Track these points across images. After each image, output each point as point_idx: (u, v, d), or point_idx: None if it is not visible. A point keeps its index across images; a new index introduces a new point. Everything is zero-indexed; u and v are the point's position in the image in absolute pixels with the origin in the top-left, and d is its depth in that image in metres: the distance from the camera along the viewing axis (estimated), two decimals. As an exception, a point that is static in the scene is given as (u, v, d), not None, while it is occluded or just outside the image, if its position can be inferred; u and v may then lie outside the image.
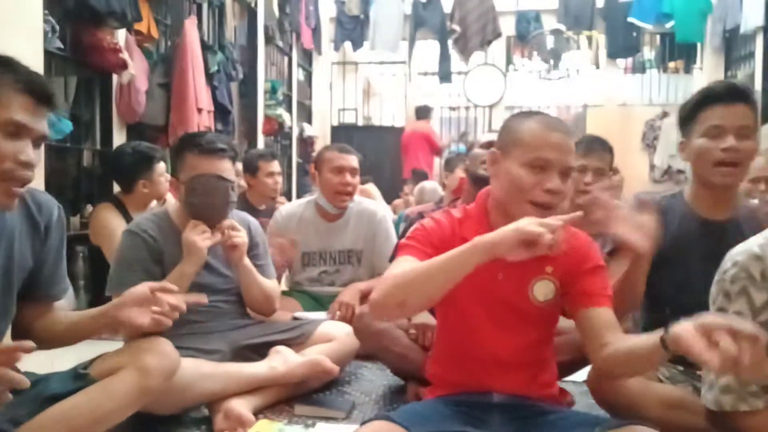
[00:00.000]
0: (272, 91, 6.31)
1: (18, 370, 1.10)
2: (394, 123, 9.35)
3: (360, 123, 9.27)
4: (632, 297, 1.63)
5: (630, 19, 7.58)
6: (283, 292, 2.62)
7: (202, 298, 1.51)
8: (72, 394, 1.32)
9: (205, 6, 5.00)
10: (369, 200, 3.10)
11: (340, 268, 2.81)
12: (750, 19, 6.18)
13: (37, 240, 1.36)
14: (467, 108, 8.83)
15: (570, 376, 1.81)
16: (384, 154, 8.13)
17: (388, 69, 9.84)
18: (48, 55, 3.03)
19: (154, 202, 3.13)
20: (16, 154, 1.15)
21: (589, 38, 8.43)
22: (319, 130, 8.20)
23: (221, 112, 4.74)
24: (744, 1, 6.30)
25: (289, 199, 6.22)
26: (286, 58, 7.26)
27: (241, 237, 1.98)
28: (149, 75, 3.85)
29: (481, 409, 1.37)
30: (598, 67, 8.46)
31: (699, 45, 7.89)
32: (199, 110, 4.19)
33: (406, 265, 1.30)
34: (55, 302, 1.46)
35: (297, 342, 2.04)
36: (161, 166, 3.07)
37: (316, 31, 7.89)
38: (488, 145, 2.18)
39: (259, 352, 1.95)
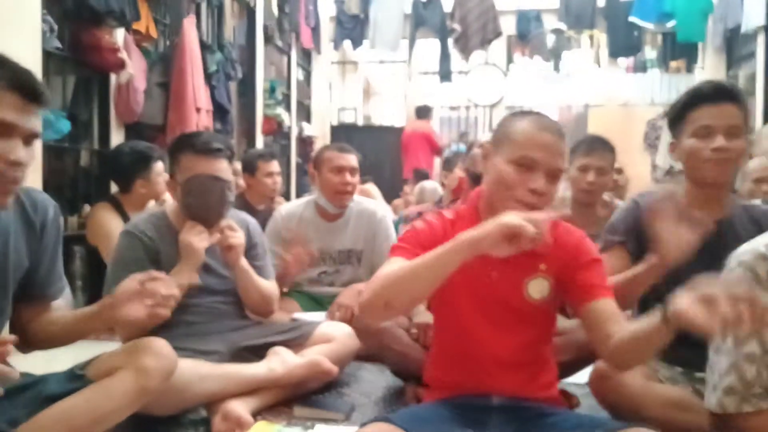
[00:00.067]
0: (271, 91, 6.29)
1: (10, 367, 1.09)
2: (394, 122, 9.34)
3: (360, 123, 9.27)
4: (632, 298, 1.62)
5: (631, 19, 7.56)
6: (282, 293, 2.60)
7: (194, 278, 1.49)
8: (69, 395, 1.31)
9: (203, 5, 4.99)
10: (369, 200, 3.09)
11: (339, 269, 2.79)
12: (751, 19, 6.16)
13: (32, 239, 1.35)
14: (467, 107, 8.82)
15: (571, 378, 1.80)
16: (384, 154, 8.13)
17: (388, 68, 9.82)
18: (46, 54, 3.02)
19: (152, 202, 3.12)
20: (5, 154, 1.13)
21: (591, 38, 8.43)
22: (319, 130, 8.17)
23: (220, 111, 4.73)
24: (745, 1, 6.28)
25: (288, 199, 6.21)
26: (285, 58, 7.24)
27: (238, 237, 1.97)
28: (148, 74, 3.83)
29: (480, 411, 1.36)
30: (599, 67, 8.46)
31: (700, 44, 7.88)
32: (198, 110, 4.18)
33: (394, 266, 1.29)
34: (51, 302, 1.45)
35: (296, 343, 2.02)
36: (159, 166, 3.06)
37: (315, 31, 7.86)
38: (488, 145, 2.17)
39: (257, 353, 1.93)
